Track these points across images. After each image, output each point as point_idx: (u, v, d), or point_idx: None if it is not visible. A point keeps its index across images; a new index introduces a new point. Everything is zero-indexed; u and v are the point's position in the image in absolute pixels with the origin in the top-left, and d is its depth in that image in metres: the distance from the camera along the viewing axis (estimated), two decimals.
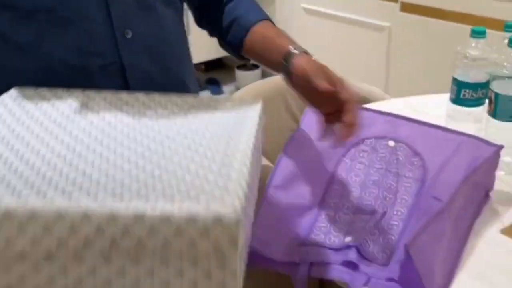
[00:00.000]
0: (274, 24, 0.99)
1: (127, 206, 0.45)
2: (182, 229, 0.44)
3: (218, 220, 0.44)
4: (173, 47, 0.91)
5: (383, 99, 1.46)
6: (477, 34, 1.08)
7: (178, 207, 0.45)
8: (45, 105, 0.65)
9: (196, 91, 0.99)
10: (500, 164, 1.03)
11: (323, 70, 0.84)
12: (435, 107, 1.23)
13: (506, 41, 1.00)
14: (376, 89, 1.58)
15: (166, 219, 0.44)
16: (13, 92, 0.68)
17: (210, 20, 0.99)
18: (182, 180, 0.48)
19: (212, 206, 0.45)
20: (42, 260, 0.46)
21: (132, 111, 0.66)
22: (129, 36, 0.81)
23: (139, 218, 0.44)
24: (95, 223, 0.44)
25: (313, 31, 3.06)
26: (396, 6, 2.40)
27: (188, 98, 0.72)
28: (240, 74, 3.35)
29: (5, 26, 0.73)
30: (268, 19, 1.00)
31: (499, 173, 1.02)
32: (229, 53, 1.02)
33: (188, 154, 0.54)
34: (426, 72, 2.15)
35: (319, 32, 3.03)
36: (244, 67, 3.38)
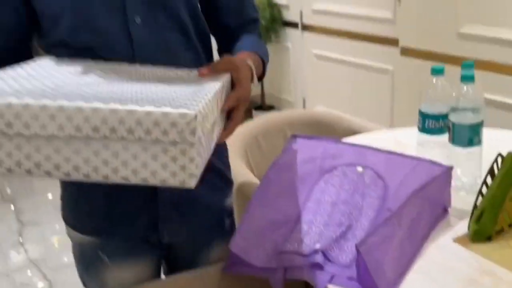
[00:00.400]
0: (260, 57, 1.07)
1: (124, 106, 0.66)
2: (159, 121, 0.65)
3: (182, 116, 0.65)
4: None
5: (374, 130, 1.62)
6: (436, 72, 1.24)
7: (158, 108, 0.66)
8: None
9: None
10: (462, 185, 1.18)
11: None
12: (412, 138, 1.38)
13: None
14: (370, 123, 1.74)
15: (148, 113, 0.65)
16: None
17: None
18: (165, 99, 0.70)
19: (180, 109, 0.66)
20: (63, 142, 0.67)
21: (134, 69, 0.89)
22: None
23: (131, 112, 0.65)
24: (101, 114, 0.66)
25: (324, 74, 3.27)
26: (397, 51, 2.59)
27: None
28: (256, 114, 3.57)
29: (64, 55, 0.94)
30: (257, 53, 1.08)
31: (460, 193, 1.17)
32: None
33: (171, 89, 0.76)
34: None
35: (330, 75, 3.24)
36: (261, 108, 3.60)
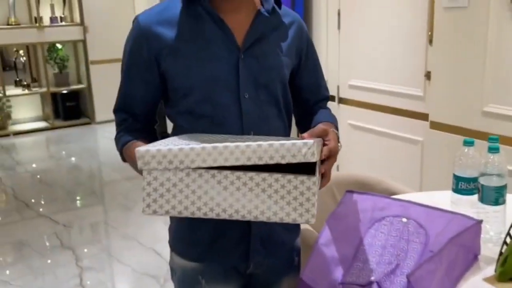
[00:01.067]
0: (335, 127, 1.38)
1: (258, 142, 0.94)
2: (289, 148, 0.92)
3: (305, 144, 0.93)
4: None
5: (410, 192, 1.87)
6: (468, 143, 1.50)
7: (286, 141, 0.92)
8: None
9: None
10: (490, 237, 1.42)
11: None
12: (446, 198, 1.62)
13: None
14: (406, 187, 1.99)
15: (282, 144, 0.92)
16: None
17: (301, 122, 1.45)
18: (280, 141, 0.95)
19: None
20: (215, 193, 0.94)
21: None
22: (252, 135, 1.24)
23: (270, 144, 0.93)
24: (239, 150, 0.92)
25: (358, 144, 3.54)
26: (427, 124, 2.85)
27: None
28: None
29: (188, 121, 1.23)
30: (334, 123, 1.39)
31: (488, 244, 1.40)
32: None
33: (278, 140, 1.00)
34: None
35: (364, 144, 3.50)
36: None
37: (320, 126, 1.19)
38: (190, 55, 1.19)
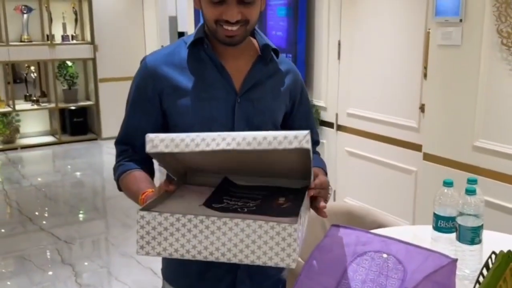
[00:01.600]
0: (324, 171, 1.49)
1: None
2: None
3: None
4: None
5: (397, 225, 1.94)
6: (447, 184, 1.58)
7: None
8: None
9: None
10: (465, 275, 1.49)
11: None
12: (428, 233, 1.70)
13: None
14: (393, 218, 2.07)
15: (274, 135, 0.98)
16: None
17: None
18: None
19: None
20: (204, 237, 1.02)
21: None
22: None
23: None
24: (241, 136, 1.02)
25: (354, 170, 3.62)
26: (420, 155, 2.93)
27: None
28: None
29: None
30: (323, 168, 1.48)
31: (465, 282, 1.47)
32: None
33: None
34: None
35: (359, 171, 3.58)
36: None
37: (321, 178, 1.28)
38: (191, 95, 1.29)
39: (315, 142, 1.52)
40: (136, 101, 1.34)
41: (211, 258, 1.02)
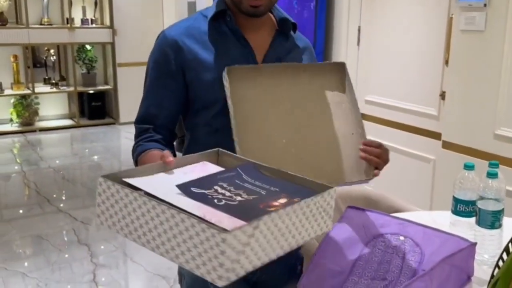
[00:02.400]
0: None
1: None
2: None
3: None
4: None
5: (414, 211, 1.92)
6: (468, 167, 1.55)
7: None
8: None
9: None
10: (484, 260, 1.46)
11: None
12: (446, 219, 1.67)
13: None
14: (410, 205, 2.04)
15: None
16: None
17: None
18: None
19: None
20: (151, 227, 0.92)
21: None
22: None
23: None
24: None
25: None
26: (439, 144, 2.89)
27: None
28: None
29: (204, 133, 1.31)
30: None
31: (483, 267, 1.44)
32: None
33: None
34: None
35: None
36: None
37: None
38: (215, 70, 1.25)
39: None
40: (156, 77, 1.30)
41: (148, 247, 0.93)
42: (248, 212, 0.95)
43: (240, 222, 0.90)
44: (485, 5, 2.50)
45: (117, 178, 1.01)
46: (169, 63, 1.28)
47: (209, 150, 1.21)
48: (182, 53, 1.27)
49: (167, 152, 1.09)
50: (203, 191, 1.04)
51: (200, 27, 1.30)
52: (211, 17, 1.28)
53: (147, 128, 1.31)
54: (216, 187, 1.07)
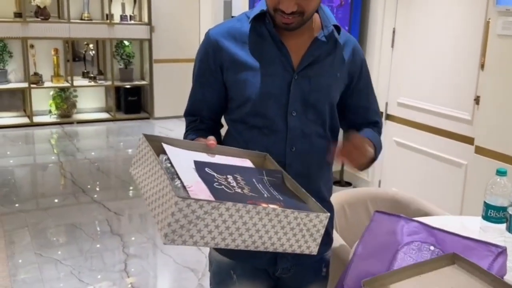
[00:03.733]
0: (373, 145, 1.41)
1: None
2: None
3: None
4: (318, 161, 1.40)
5: (442, 215, 1.92)
6: (500, 173, 1.54)
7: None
8: None
9: (328, 192, 1.47)
10: None
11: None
12: (476, 224, 1.66)
13: None
14: (439, 209, 2.04)
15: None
16: None
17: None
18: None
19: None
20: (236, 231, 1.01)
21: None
22: (293, 150, 1.35)
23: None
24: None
25: (402, 161, 3.56)
26: (472, 149, 2.86)
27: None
28: (334, 189, 3.91)
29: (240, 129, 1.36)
30: (371, 140, 1.41)
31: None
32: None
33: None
34: None
35: (407, 162, 3.52)
36: (339, 183, 3.94)
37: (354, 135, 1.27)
38: (249, 70, 1.31)
39: (373, 122, 1.48)
40: (200, 74, 1.38)
41: (242, 247, 1.03)
42: (230, 200, 1.00)
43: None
44: None
45: (157, 140, 1.14)
46: (210, 62, 1.35)
47: (257, 152, 1.31)
48: (221, 53, 1.33)
49: (211, 137, 1.24)
50: (213, 173, 1.13)
51: (242, 27, 1.34)
52: (252, 18, 1.33)
53: (194, 120, 1.41)
54: (229, 176, 1.15)
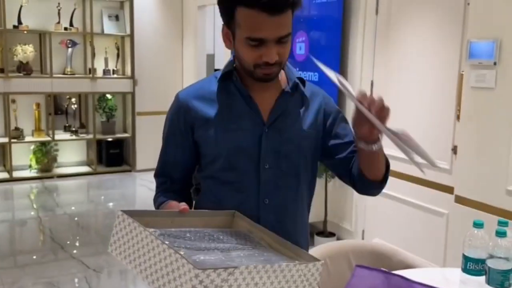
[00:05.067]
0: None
1: None
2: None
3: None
4: (293, 212, 1.40)
5: (425, 266, 1.90)
6: (477, 225, 1.55)
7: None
8: None
9: (305, 243, 1.44)
10: None
11: None
12: (458, 276, 1.65)
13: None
14: (422, 260, 2.03)
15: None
16: None
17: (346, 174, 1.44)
18: None
19: None
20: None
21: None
22: (267, 202, 1.35)
23: None
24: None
25: (383, 210, 3.56)
26: (452, 198, 2.88)
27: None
28: (317, 239, 3.88)
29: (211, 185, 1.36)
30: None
31: None
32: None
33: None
34: None
35: (389, 211, 3.52)
36: (322, 234, 3.92)
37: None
38: (220, 126, 1.35)
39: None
40: (170, 135, 1.42)
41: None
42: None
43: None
44: (495, 63, 2.55)
45: (136, 215, 1.15)
46: (180, 123, 1.38)
47: (225, 210, 1.31)
48: (190, 113, 1.37)
49: (183, 203, 1.24)
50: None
51: (211, 87, 1.39)
52: (219, 78, 1.38)
53: (165, 181, 1.45)
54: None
